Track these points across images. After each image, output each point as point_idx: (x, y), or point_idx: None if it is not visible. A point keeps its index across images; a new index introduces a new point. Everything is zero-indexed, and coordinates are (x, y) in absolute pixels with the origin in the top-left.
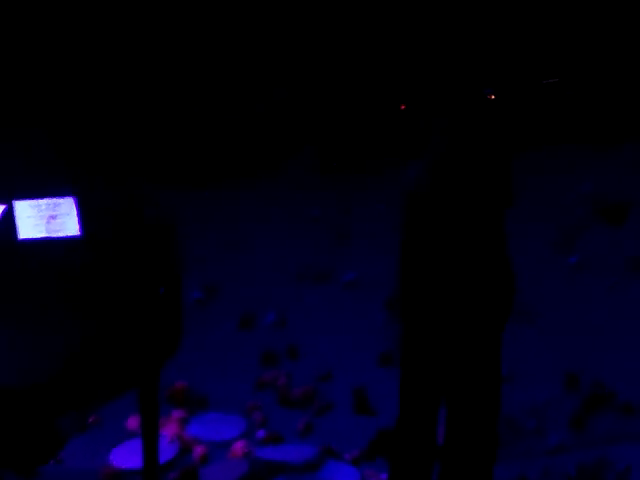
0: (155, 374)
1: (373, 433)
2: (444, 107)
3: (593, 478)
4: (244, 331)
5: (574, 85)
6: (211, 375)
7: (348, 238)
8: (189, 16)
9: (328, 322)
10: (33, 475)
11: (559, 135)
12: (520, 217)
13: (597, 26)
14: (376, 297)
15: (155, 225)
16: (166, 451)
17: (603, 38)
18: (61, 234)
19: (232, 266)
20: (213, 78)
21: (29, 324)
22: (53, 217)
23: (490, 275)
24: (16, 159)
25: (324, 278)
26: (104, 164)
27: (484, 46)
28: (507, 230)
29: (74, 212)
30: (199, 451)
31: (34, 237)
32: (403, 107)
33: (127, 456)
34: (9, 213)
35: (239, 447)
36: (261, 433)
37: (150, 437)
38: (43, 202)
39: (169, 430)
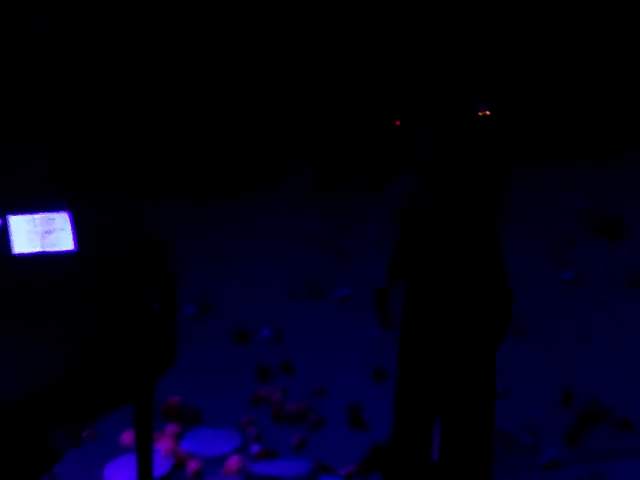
0: (149, 389)
1: (367, 448)
2: (436, 123)
3: None
4: (239, 346)
5: (568, 100)
6: (205, 390)
7: (343, 254)
8: (185, 28)
9: (323, 337)
10: None
11: (554, 150)
12: (515, 232)
13: (591, 42)
14: (370, 313)
15: (150, 240)
16: (160, 466)
17: (597, 54)
18: (56, 249)
19: (227, 281)
20: (208, 95)
21: (23, 339)
22: (48, 232)
23: (485, 290)
24: (11, 174)
25: (319, 294)
26: (99, 179)
27: (478, 62)
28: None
29: (69, 227)
30: (193, 466)
31: (29, 252)
32: (398, 123)
33: (121, 471)
34: (4, 228)
35: (233, 462)
36: (255, 448)
37: (144, 452)
38: (38, 217)
39: (163, 445)
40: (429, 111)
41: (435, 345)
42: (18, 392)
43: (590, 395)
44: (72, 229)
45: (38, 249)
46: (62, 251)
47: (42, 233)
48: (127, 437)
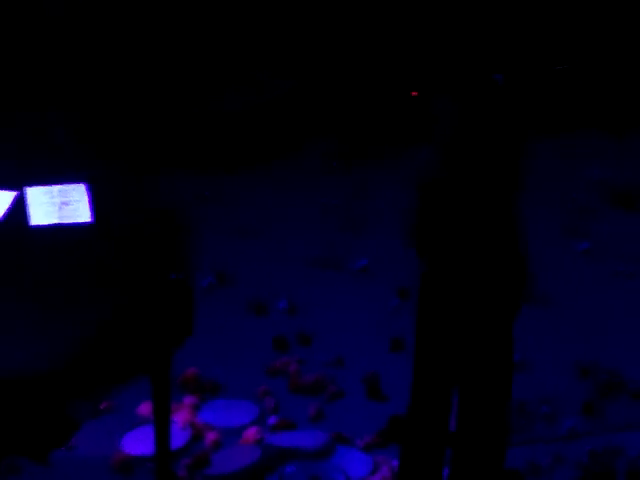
0: (167, 360)
1: (385, 419)
2: (454, 93)
3: (605, 464)
4: (256, 317)
5: (585, 70)
6: (223, 361)
7: (360, 225)
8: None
9: (340, 309)
10: (46, 461)
11: (570, 121)
12: (531, 203)
13: (610, 13)
14: (388, 283)
15: (166, 211)
16: (178, 437)
17: (616, 25)
18: (73, 220)
19: (244, 252)
20: (226, 64)
21: (41, 311)
22: (65, 203)
23: (503, 261)
24: (28, 146)
25: (336, 265)
26: (116, 150)
27: (495, 31)
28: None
29: (86, 198)
30: (211, 437)
31: (46, 224)
32: (415, 94)
33: (139, 442)
34: (21, 199)
35: (251, 433)
36: (273, 419)
37: (162, 423)
38: (55, 188)
39: (181, 416)
40: (446, 81)
41: (452, 315)
42: (36, 363)
43: (608, 366)
44: (89, 201)
45: (55, 221)
46: (79, 223)
47: (59, 205)
48: (145, 408)
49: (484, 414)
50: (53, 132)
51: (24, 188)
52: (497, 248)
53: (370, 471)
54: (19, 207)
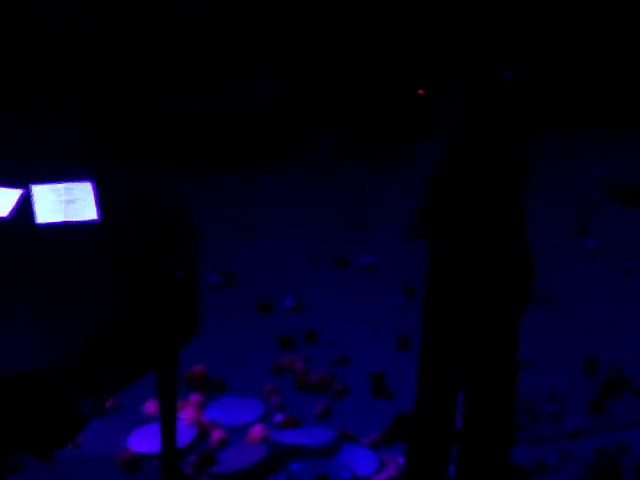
0: (173, 358)
1: (390, 417)
2: (462, 89)
3: (611, 462)
4: (261, 315)
5: (590, 68)
6: (229, 359)
7: (365, 222)
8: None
9: (345, 306)
10: (51, 459)
11: (576, 117)
12: (536, 200)
13: (614, 12)
14: (393, 281)
15: (172, 209)
16: (184, 435)
17: (619, 24)
18: (79, 218)
19: (249, 250)
20: (225, 62)
21: (47, 308)
22: (71, 201)
23: (509, 258)
24: (34, 144)
25: (341, 262)
26: (120, 148)
27: (501, 28)
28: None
29: (92, 196)
30: (217, 435)
31: (52, 221)
32: (421, 92)
33: (145, 440)
34: (27, 198)
35: (256, 431)
36: (278, 417)
37: (168, 421)
38: (61, 186)
39: (187, 414)
40: (453, 79)
41: (458, 312)
42: (42, 361)
43: (614, 364)
44: (95, 199)
45: (61, 219)
46: (85, 221)
47: (65, 203)
48: (150, 406)
49: (490, 412)
50: (58, 130)
51: (30, 186)
52: (504, 245)
53: (376, 469)
54: (25, 205)
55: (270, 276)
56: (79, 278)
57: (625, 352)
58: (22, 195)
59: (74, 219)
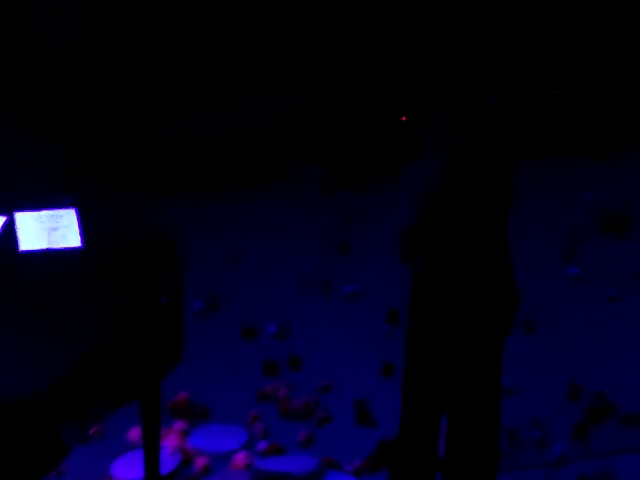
0: (157, 385)
1: (375, 444)
2: (445, 117)
3: None
4: (246, 342)
5: (574, 96)
6: (213, 386)
7: (349, 249)
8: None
9: (330, 333)
10: None
11: (559, 145)
12: (520, 227)
13: (597, 38)
14: (378, 309)
15: (156, 235)
16: (168, 462)
17: (603, 50)
18: (62, 245)
19: (233, 277)
20: (213, 90)
21: (30, 335)
22: (54, 229)
23: (494, 285)
24: (17, 171)
25: (326, 289)
26: (105, 174)
27: (486, 56)
28: (509, 240)
29: (75, 223)
30: (201, 462)
31: (35, 248)
32: (404, 119)
33: (128, 468)
34: (11, 225)
35: (240, 458)
36: (262, 444)
37: (152, 448)
38: (44, 214)
39: (170, 441)
40: (437, 106)
41: (441, 340)
42: (25, 388)
43: (598, 390)
44: (79, 226)
45: (45, 246)
46: (68, 248)
47: (49, 230)
48: (134, 434)
49: (473, 439)
50: (44, 157)
51: (13, 213)
52: (489, 271)
53: None
54: (8, 232)
55: (254, 303)
56: (63, 305)
57: (609, 379)
58: (6, 222)
59: (58, 246)
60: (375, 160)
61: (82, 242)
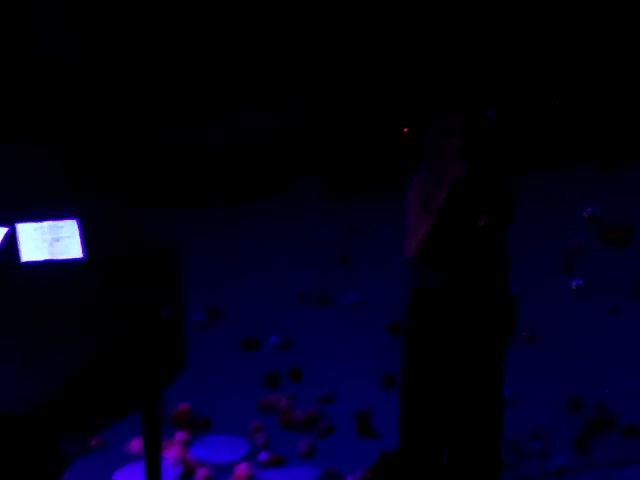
0: (158, 396)
1: (376, 456)
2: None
3: None
4: (247, 353)
5: (576, 107)
6: (214, 397)
7: (350, 260)
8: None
9: (331, 344)
10: None
11: (561, 156)
12: (521, 239)
13: (599, 48)
14: (379, 320)
15: (157, 247)
16: (169, 473)
17: (605, 60)
18: (64, 256)
19: (234, 288)
20: (214, 102)
21: (32, 346)
22: (56, 240)
23: (492, 300)
24: (19, 182)
25: (326, 301)
26: (106, 185)
27: (486, 69)
28: (509, 252)
29: (77, 234)
30: (202, 473)
31: (37, 260)
32: (406, 130)
33: (130, 479)
34: (12, 236)
35: (242, 469)
36: (264, 455)
37: (153, 460)
38: (46, 225)
39: (172, 452)
40: (437, 117)
41: (440, 353)
42: (26, 399)
43: (599, 402)
44: (80, 237)
45: (46, 257)
46: (70, 259)
47: (50, 241)
48: (135, 445)
49: (475, 453)
50: (44, 168)
51: (15, 224)
52: (487, 286)
53: None
54: (10, 243)
55: (256, 314)
56: (64, 317)
57: (611, 389)
58: (7, 233)
59: (59, 257)
60: (376, 172)
61: (83, 253)
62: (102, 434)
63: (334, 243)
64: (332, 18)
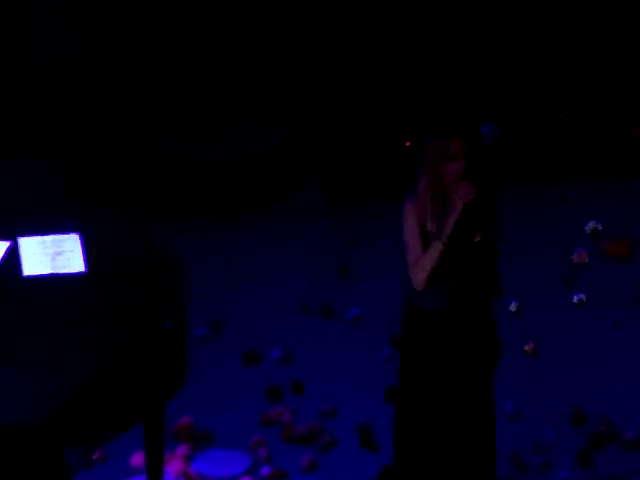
0: (160, 410)
1: (378, 469)
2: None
3: None
4: (249, 367)
5: (579, 121)
6: (216, 411)
7: (352, 273)
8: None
9: (333, 358)
10: None
11: (562, 171)
12: (524, 253)
13: (602, 61)
14: (381, 332)
15: (160, 260)
16: None
17: (609, 72)
18: (66, 270)
19: (236, 302)
20: (215, 114)
21: (34, 360)
22: (58, 253)
23: (483, 318)
24: (21, 196)
25: (328, 314)
26: (108, 198)
27: (488, 80)
28: (512, 266)
29: (79, 248)
30: None
31: (39, 274)
32: (408, 144)
33: None
34: (14, 250)
35: None
36: (266, 469)
37: (155, 473)
38: (48, 238)
39: (174, 466)
40: (437, 141)
41: (433, 370)
42: (28, 413)
43: (601, 415)
44: (82, 250)
45: (48, 271)
46: (72, 273)
47: (52, 255)
48: (137, 458)
49: (470, 466)
50: (46, 181)
51: (17, 238)
52: (484, 302)
53: None
54: (12, 257)
55: (258, 327)
56: (66, 330)
57: (613, 404)
58: (9, 247)
59: (61, 271)
60: (376, 184)
61: (86, 267)
62: (104, 447)
63: (335, 255)
64: (336, 30)
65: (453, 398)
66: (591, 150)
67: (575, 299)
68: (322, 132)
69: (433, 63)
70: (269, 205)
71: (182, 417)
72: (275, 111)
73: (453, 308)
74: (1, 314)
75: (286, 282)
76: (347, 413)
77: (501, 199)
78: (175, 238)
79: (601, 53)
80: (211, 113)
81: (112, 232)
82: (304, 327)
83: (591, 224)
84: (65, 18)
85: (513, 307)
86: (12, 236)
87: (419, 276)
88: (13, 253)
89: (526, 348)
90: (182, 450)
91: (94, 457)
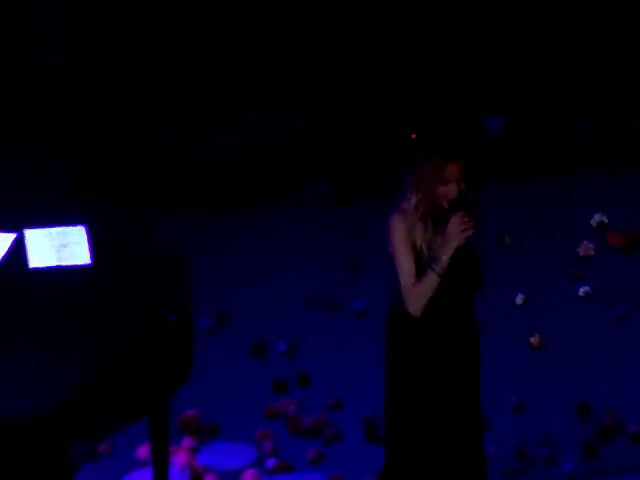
0: (166, 402)
1: (384, 462)
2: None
3: None
4: (255, 359)
5: (584, 114)
6: (222, 403)
7: (359, 267)
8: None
9: (339, 351)
10: None
11: (569, 163)
12: (530, 245)
13: (607, 54)
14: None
15: (166, 253)
16: None
17: (613, 65)
18: (72, 262)
19: (242, 294)
20: (221, 106)
21: (39, 353)
22: (64, 245)
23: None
24: (27, 188)
25: (334, 306)
26: (114, 191)
27: (494, 74)
28: (518, 259)
29: (85, 240)
30: None
31: (45, 266)
32: (414, 136)
33: None
34: (20, 242)
35: (249, 476)
36: (271, 462)
37: (160, 466)
38: (54, 230)
39: (179, 459)
40: (434, 163)
41: (420, 373)
42: (34, 406)
43: (608, 408)
44: (88, 243)
45: (54, 263)
46: (78, 265)
47: (58, 247)
48: (143, 451)
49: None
50: (52, 174)
51: (23, 230)
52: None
53: None
54: (18, 249)
55: (264, 320)
56: (72, 323)
57: (620, 396)
58: (15, 239)
59: (67, 263)
60: (384, 177)
61: (91, 259)
62: (110, 440)
63: (341, 248)
64: (339, 22)
65: (443, 397)
66: (596, 143)
67: (581, 292)
68: (325, 125)
69: (438, 56)
70: (278, 198)
71: (188, 409)
72: (277, 105)
73: (440, 311)
74: (7, 305)
75: (292, 275)
76: (353, 406)
77: (506, 192)
78: (181, 231)
79: (605, 47)
80: (212, 107)
81: (117, 225)
82: (310, 320)
83: (597, 217)
84: (65, 18)
85: (519, 300)
86: (18, 228)
87: (415, 306)
88: (19, 245)
89: (532, 340)
90: (188, 442)
91: (100, 450)
